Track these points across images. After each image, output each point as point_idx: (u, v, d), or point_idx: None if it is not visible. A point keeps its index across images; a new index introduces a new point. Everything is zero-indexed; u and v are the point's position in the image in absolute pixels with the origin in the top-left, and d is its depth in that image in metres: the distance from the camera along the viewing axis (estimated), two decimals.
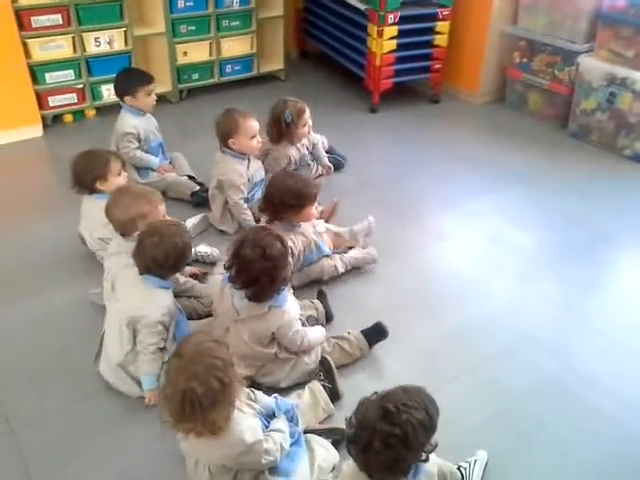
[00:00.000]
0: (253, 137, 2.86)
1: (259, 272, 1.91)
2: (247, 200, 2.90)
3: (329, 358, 2.11)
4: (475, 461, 1.82)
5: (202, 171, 3.22)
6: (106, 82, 3.90)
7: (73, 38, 3.77)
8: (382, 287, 2.65)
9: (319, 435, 1.87)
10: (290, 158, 3.18)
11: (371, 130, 4.07)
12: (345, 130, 3.85)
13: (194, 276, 2.55)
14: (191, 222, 2.91)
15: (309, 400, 1.99)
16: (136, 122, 3.10)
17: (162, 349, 2.03)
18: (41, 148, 3.76)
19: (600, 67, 3.69)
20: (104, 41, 3.88)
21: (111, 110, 3.74)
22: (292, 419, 1.82)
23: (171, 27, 4.06)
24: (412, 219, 3.12)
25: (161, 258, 1.98)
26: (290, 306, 2.06)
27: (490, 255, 2.89)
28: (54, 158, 3.65)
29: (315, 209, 2.57)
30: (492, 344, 2.36)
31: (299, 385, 2.08)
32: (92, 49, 3.86)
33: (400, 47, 4.05)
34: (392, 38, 3.99)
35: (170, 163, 3.29)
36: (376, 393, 1.50)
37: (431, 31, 4.14)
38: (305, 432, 1.87)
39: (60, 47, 3.75)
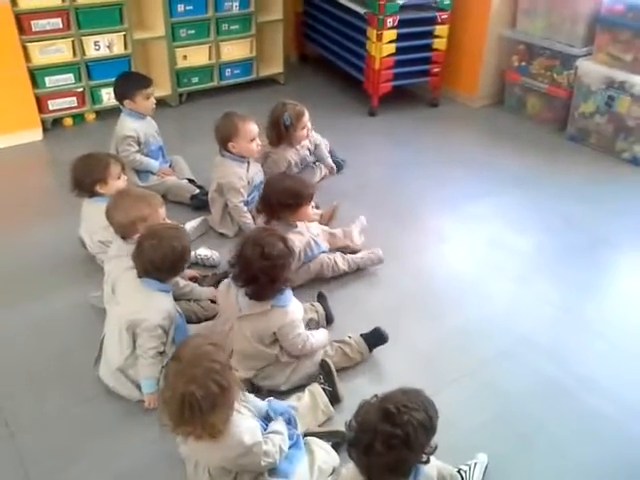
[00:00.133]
0: (252, 140, 2.87)
1: (258, 271, 1.93)
2: (247, 203, 2.90)
3: (329, 361, 2.11)
4: (475, 464, 1.82)
5: (202, 174, 3.22)
6: (106, 86, 3.91)
7: (73, 42, 3.77)
8: (382, 289, 2.66)
9: (319, 438, 1.87)
10: (290, 161, 3.19)
11: (370, 133, 4.08)
12: (344, 133, 3.86)
13: (194, 279, 2.55)
14: (191, 225, 2.92)
15: (309, 402, 1.99)
16: (136, 125, 3.10)
17: (162, 353, 2.03)
18: (41, 152, 3.77)
19: (598, 71, 3.71)
20: (104, 45, 3.89)
21: (111, 114, 3.75)
22: (289, 421, 1.82)
23: (171, 31, 4.07)
24: (411, 222, 3.13)
25: (159, 261, 1.99)
26: (294, 307, 2.07)
27: (489, 258, 2.90)
28: (54, 162, 3.65)
29: (311, 208, 2.57)
30: (491, 347, 2.37)
31: (299, 388, 2.08)
32: (92, 53, 3.87)
33: (399, 51, 4.06)
34: (391, 42, 4.00)
35: (170, 166, 3.30)
36: (376, 396, 1.51)
37: (430, 35, 4.15)
38: (305, 435, 1.88)
39: (60, 51, 3.76)
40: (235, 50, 4.41)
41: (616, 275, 2.91)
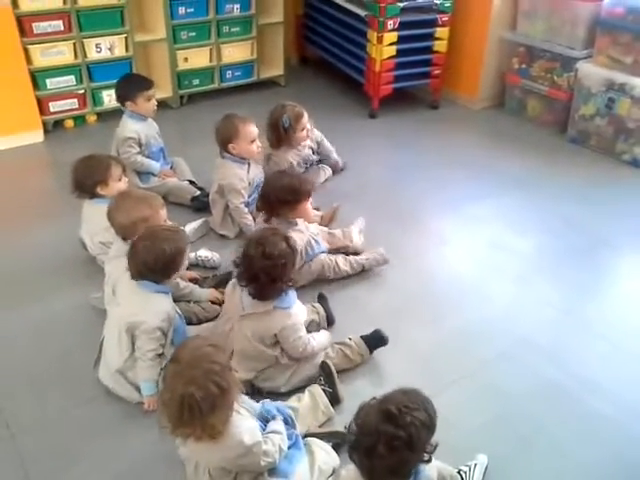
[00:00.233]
0: (253, 142, 2.88)
1: (259, 270, 1.94)
2: (248, 204, 2.91)
3: (329, 362, 2.11)
4: (475, 465, 1.82)
5: (203, 176, 3.23)
6: (107, 88, 3.92)
7: (74, 44, 3.79)
8: (382, 291, 2.66)
9: (319, 438, 1.87)
10: (291, 162, 3.20)
11: (371, 135, 4.09)
12: (345, 135, 3.86)
13: (194, 281, 2.55)
14: (192, 227, 2.92)
15: (309, 403, 1.99)
16: (137, 127, 3.11)
17: (160, 355, 2.03)
18: (42, 153, 3.78)
19: (599, 73, 3.71)
20: (105, 47, 3.90)
21: (112, 116, 3.76)
22: (287, 421, 1.82)
23: (172, 33, 4.08)
24: (412, 224, 3.13)
25: (152, 262, 1.98)
26: (297, 310, 2.07)
27: (490, 259, 2.90)
28: (55, 163, 3.66)
29: (311, 207, 2.57)
30: (492, 348, 2.37)
31: (299, 389, 2.08)
32: (93, 55, 3.88)
33: (400, 53, 4.07)
34: (392, 44, 4.01)
35: (171, 168, 3.31)
36: (374, 398, 1.50)
37: (430, 37, 4.16)
38: (305, 435, 1.88)
39: (61, 53, 3.77)
40: (236, 52, 4.42)
41: (616, 277, 2.91)
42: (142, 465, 1.89)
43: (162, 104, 3.90)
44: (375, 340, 2.25)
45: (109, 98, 3.97)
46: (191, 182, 3.25)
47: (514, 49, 4.20)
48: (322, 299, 2.47)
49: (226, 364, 1.58)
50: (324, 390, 2.04)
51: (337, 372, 2.11)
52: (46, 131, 3.88)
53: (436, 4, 4.05)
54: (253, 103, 4.25)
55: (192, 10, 4.10)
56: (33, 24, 3.60)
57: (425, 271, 2.80)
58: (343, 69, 4.51)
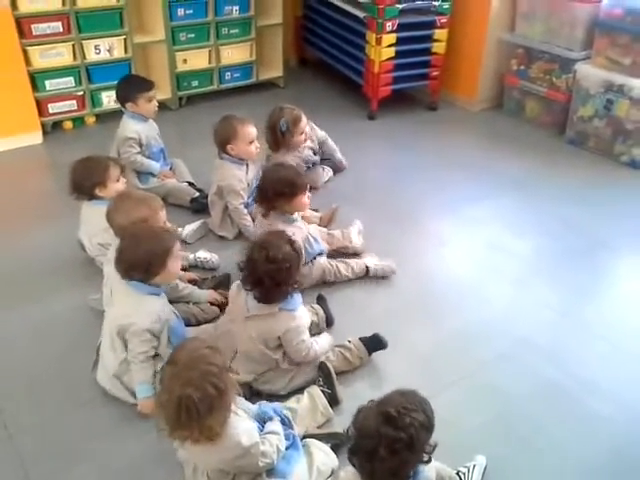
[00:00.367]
0: (251, 143, 2.88)
1: (263, 274, 1.94)
2: (247, 205, 2.91)
3: (328, 364, 2.11)
4: (474, 466, 1.83)
5: (202, 177, 3.23)
6: (106, 89, 3.93)
7: (73, 46, 3.79)
8: (381, 292, 2.66)
9: (318, 439, 1.87)
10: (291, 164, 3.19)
11: (369, 137, 4.09)
12: (344, 137, 3.86)
13: (193, 282, 2.55)
14: (191, 228, 2.92)
15: (308, 404, 1.99)
16: (138, 128, 3.11)
17: (155, 356, 2.02)
18: (41, 155, 3.78)
19: (597, 74, 3.72)
20: (104, 49, 3.90)
21: (111, 117, 3.76)
22: (284, 422, 1.82)
23: (171, 35, 4.09)
24: (410, 225, 3.13)
25: (134, 261, 1.97)
26: (301, 313, 2.08)
27: (488, 261, 2.90)
28: (54, 165, 3.66)
29: (307, 199, 2.58)
30: (490, 349, 2.37)
31: (298, 390, 2.08)
32: (92, 56, 3.88)
33: (398, 54, 4.07)
34: (390, 46, 4.01)
35: (171, 169, 3.31)
36: (372, 401, 1.50)
37: (429, 39, 4.16)
38: (304, 436, 1.88)
39: (60, 55, 3.77)
40: (235, 54, 4.42)
41: (615, 278, 2.92)
42: (141, 467, 1.88)
43: (161, 105, 3.88)
44: (374, 344, 2.24)
45: (108, 99, 3.98)
46: (190, 183, 3.25)
47: (513, 50, 4.20)
48: (321, 300, 2.47)
49: (223, 366, 1.57)
50: (323, 391, 2.04)
51: (336, 374, 2.10)
52: (45, 132, 3.88)
53: (435, 6, 4.05)
54: (252, 105, 4.25)
55: (191, 12, 4.11)
56: (32, 25, 3.60)
57: (424, 272, 2.80)
58: (342, 71, 4.52)
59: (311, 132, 3.33)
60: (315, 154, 3.39)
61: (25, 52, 3.64)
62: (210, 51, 4.30)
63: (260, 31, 4.47)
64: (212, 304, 2.45)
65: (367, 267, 2.69)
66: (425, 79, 4.32)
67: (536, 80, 4.12)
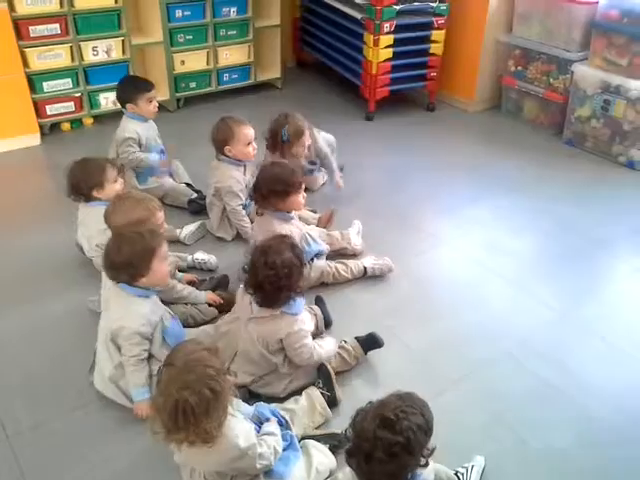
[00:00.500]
0: (248, 144, 2.88)
1: (263, 279, 1.94)
2: (245, 206, 2.91)
3: (328, 366, 2.11)
4: (472, 466, 1.83)
5: (200, 179, 3.23)
6: (104, 91, 3.93)
7: (71, 47, 3.78)
8: (379, 293, 2.66)
9: (317, 440, 1.87)
10: None
11: (367, 138, 4.09)
12: (341, 138, 3.86)
13: (191, 283, 2.55)
14: (189, 229, 2.93)
15: (306, 405, 1.99)
16: (137, 128, 3.10)
17: (149, 358, 2.01)
18: (39, 156, 3.77)
19: (594, 75, 3.73)
20: (102, 50, 3.90)
21: (109, 118, 3.76)
22: (281, 423, 1.82)
23: (169, 36, 4.09)
24: (408, 226, 3.13)
25: (116, 262, 1.96)
26: (304, 317, 2.07)
27: (486, 261, 2.90)
28: (52, 166, 3.65)
29: (302, 198, 2.57)
30: (489, 350, 2.37)
31: (297, 391, 2.08)
32: (90, 58, 3.88)
33: (396, 55, 4.08)
34: (388, 47, 4.02)
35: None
36: (370, 403, 1.50)
37: (427, 40, 4.17)
38: (302, 437, 1.88)
39: (58, 56, 3.77)
40: (233, 55, 4.42)
41: (613, 278, 2.92)
42: (138, 470, 1.88)
43: (159, 107, 3.86)
44: (370, 343, 2.24)
45: (106, 101, 3.98)
46: (188, 185, 3.25)
47: (510, 51, 4.21)
48: (319, 301, 2.47)
49: (221, 368, 1.56)
50: (322, 394, 2.04)
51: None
52: (43, 134, 3.88)
53: (432, 7, 4.06)
54: (250, 106, 4.26)
55: (189, 13, 4.11)
56: (30, 27, 3.59)
57: (422, 273, 2.80)
58: (340, 72, 4.52)
59: (311, 144, 3.25)
60: (314, 165, 3.34)
61: (23, 54, 3.63)
62: (208, 52, 4.30)
63: (258, 32, 4.47)
64: (210, 305, 2.44)
65: (365, 268, 2.70)
66: (423, 80, 4.33)
67: (534, 81, 4.13)
